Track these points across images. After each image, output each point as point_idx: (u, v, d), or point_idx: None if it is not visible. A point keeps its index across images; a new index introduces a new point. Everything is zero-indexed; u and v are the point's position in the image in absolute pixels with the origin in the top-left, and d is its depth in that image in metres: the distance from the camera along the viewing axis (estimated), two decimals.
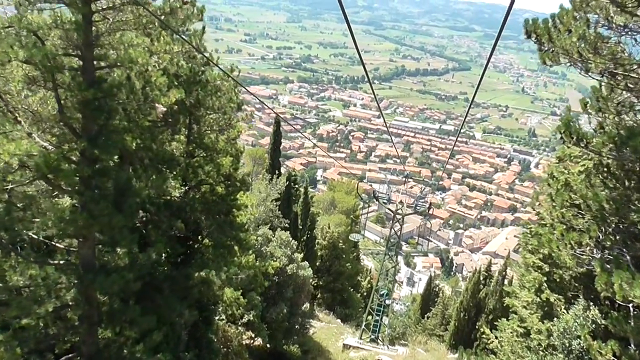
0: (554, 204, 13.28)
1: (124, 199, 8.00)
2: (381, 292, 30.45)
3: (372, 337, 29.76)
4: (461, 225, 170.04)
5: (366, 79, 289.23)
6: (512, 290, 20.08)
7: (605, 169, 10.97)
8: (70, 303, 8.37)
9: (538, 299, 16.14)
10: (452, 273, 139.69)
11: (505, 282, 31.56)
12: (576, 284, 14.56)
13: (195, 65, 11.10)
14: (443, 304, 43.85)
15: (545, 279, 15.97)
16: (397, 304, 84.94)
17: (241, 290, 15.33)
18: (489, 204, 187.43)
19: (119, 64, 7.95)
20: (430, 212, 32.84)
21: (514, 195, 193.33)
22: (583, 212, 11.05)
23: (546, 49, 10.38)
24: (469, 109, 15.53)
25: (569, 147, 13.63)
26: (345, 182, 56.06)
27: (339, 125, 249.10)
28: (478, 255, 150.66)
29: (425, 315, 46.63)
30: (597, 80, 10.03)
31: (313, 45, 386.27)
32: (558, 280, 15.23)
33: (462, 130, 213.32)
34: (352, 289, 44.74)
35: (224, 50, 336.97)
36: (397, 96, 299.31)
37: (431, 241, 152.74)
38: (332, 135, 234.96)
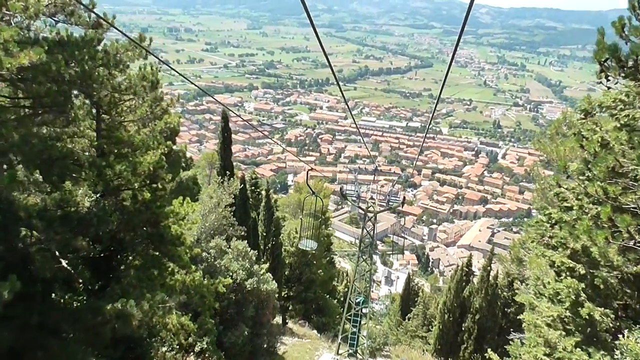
0: (587, 174, 9.75)
1: None
2: (357, 300, 27.38)
3: (350, 351, 27.16)
4: (434, 221, 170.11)
5: (331, 81, 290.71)
6: (528, 300, 14.04)
7: None
8: None
9: (567, 313, 11.16)
10: (429, 269, 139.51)
11: (491, 278, 29.86)
12: (628, 290, 10.61)
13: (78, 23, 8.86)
14: (424, 303, 42.14)
15: (582, 285, 10.85)
16: (376, 304, 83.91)
17: (191, 314, 13.07)
18: (460, 197, 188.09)
19: None
20: (404, 207, 30.45)
21: (484, 187, 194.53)
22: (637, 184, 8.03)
23: None
24: (435, 106, 13.39)
25: (608, 90, 9.38)
26: (312, 182, 52.62)
27: (306, 129, 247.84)
28: (453, 249, 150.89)
29: (406, 316, 44.96)
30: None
31: (275, 50, 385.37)
32: (601, 286, 10.61)
33: (429, 127, 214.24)
34: (327, 296, 42.75)
35: (185, 60, 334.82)
36: (363, 96, 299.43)
37: (406, 238, 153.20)
38: (301, 139, 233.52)
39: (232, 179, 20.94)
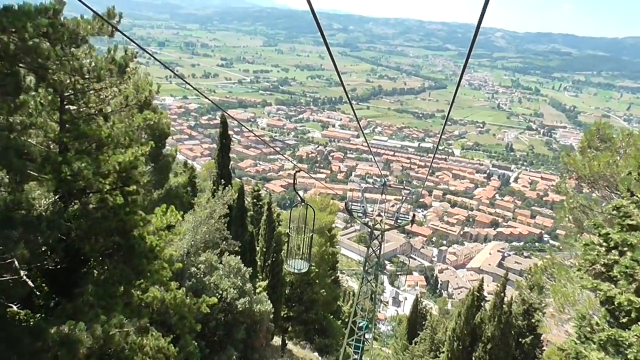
0: None
1: None
2: (360, 324, 25.64)
3: None
4: (444, 242, 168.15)
5: (344, 100, 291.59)
6: (572, 347, 10.07)
7: None
8: None
9: None
10: (438, 290, 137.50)
11: (504, 305, 28.04)
12: None
13: None
14: (431, 327, 40.52)
15: None
16: (383, 324, 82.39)
17: (173, 336, 11.70)
18: (470, 219, 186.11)
19: None
20: (412, 227, 28.72)
21: (495, 210, 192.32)
22: None
23: None
24: (444, 124, 12.48)
25: None
26: (319, 198, 50.67)
27: (318, 146, 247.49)
28: (463, 271, 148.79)
29: (413, 340, 43.42)
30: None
31: (290, 68, 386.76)
32: None
33: (440, 148, 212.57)
34: (331, 316, 41.43)
35: (200, 75, 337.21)
36: (375, 116, 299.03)
37: (415, 259, 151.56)
38: (312, 156, 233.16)
39: (227, 188, 19.34)
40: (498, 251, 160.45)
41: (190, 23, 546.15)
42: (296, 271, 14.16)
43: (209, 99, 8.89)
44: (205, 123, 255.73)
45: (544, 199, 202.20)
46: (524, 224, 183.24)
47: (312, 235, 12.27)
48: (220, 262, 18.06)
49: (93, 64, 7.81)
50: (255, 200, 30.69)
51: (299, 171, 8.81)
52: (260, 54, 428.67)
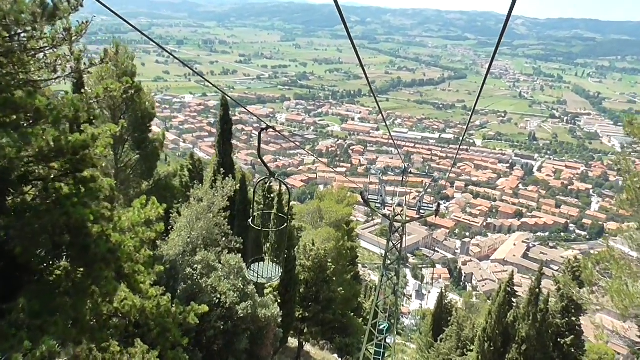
0: None
1: None
2: (380, 327, 23.84)
3: None
4: (467, 234, 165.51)
5: (363, 93, 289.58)
6: None
7: None
8: None
9: None
10: (462, 283, 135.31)
11: (540, 302, 25.70)
12: None
13: None
14: (458, 323, 38.68)
15: None
16: (406, 319, 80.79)
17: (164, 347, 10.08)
18: (494, 210, 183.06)
19: None
20: (436, 218, 26.34)
21: (518, 200, 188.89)
22: None
23: None
24: (470, 118, 10.98)
25: None
26: (335, 190, 48.48)
27: (337, 140, 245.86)
28: (487, 263, 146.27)
29: (438, 337, 41.67)
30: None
31: (308, 62, 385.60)
32: None
33: (463, 139, 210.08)
34: (352, 313, 39.73)
35: (219, 72, 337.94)
36: (395, 108, 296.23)
37: (437, 251, 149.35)
38: (332, 150, 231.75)
39: (227, 178, 17.39)
40: (523, 242, 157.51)
41: (208, 20, 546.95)
42: (261, 279, 9.38)
43: (228, 96, 8.87)
44: None
45: (569, 187, 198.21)
46: (548, 213, 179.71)
47: (286, 224, 9.59)
48: (219, 262, 16.20)
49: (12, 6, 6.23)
50: (266, 193, 29.01)
51: (266, 129, 7.01)
52: (278, 49, 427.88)
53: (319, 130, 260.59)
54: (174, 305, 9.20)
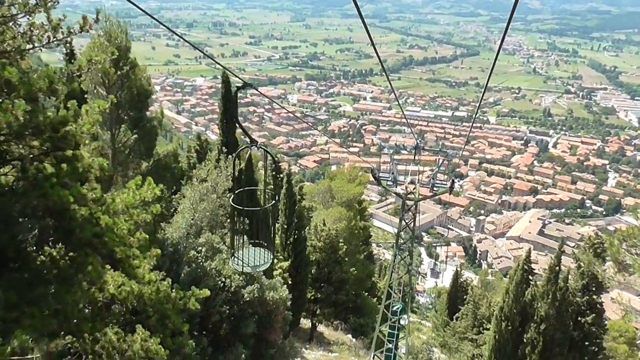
0: None
1: None
2: (394, 308, 23.07)
3: None
4: (482, 212, 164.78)
5: (375, 72, 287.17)
6: None
7: None
8: None
9: None
10: (477, 260, 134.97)
11: (560, 280, 24.77)
12: None
13: None
14: (474, 302, 38.17)
15: None
16: (422, 296, 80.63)
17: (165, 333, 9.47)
18: (508, 187, 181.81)
19: None
20: (450, 195, 25.50)
21: (534, 177, 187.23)
22: None
23: None
24: (482, 95, 10.44)
25: None
26: (346, 169, 47.53)
27: (350, 120, 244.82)
28: (502, 240, 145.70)
29: (454, 316, 41.28)
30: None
31: (319, 42, 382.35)
32: None
33: (475, 116, 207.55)
34: (366, 293, 39.32)
35: (229, 54, 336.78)
36: (407, 86, 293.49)
37: (452, 229, 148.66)
38: (344, 131, 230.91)
39: (230, 157, 16.70)
40: (538, 219, 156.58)
41: (217, 2, 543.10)
42: (246, 269, 8.38)
43: (239, 78, 8.35)
44: None
45: (585, 163, 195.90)
46: (564, 190, 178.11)
47: (275, 201, 8.09)
48: (224, 244, 15.52)
49: None
50: (274, 173, 28.43)
51: (243, 87, 6.36)
52: (288, 30, 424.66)
53: (331, 111, 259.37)
54: (174, 291, 8.71)
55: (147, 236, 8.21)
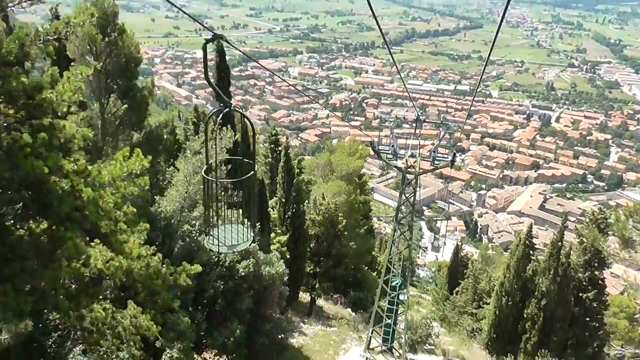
0: None
1: None
2: (393, 283, 22.60)
3: (385, 347, 22.99)
4: (483, 186, 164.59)
5: (377, 45, 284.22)
6: None
7: None
8: None
9: None
10: (477, 235, 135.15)
11: (561, 255, 24.39)
12: None
13: None
14: (474, 276, 38.13)
15: None
16: (422, 270, 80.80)
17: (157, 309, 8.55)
18: (510, 162, 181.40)
19: None
20: (452, 169, 25.00)
21: (535, 151, 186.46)
22: None
23: None
24: (484, 69, 10.08)
25: None
26: (346, 143, 46.87)
27: (351, 94, 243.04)
28: (503, 215, 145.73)
29: (454, 290, 41.27)
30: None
31: (320, 14, 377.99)
32: None
33: (478, 90, 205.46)
34: (366, 267, 39.16)
35: (230, 26, 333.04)
36: (409, 59, 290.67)
37: (453, 204, 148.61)
38: (346, 104, 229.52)
39: (225, 129, 16.19)
40: (539, 193, 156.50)
41: None
42: (225, 250, 7.21)
43: (239, 50, 8.58)
44: (237, 74, 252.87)
45: (588, 138, 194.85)
46: (566, 165, 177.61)
47: (254, 172, 7.10)
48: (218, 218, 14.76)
49: None
50: (273, 146, 27.86)
51: (213, 40, 5.76)
52: (289, 2, 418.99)
53: (332, 84, 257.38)
54: (164, 266, 8.38)
55: (135, 210, 7.85)
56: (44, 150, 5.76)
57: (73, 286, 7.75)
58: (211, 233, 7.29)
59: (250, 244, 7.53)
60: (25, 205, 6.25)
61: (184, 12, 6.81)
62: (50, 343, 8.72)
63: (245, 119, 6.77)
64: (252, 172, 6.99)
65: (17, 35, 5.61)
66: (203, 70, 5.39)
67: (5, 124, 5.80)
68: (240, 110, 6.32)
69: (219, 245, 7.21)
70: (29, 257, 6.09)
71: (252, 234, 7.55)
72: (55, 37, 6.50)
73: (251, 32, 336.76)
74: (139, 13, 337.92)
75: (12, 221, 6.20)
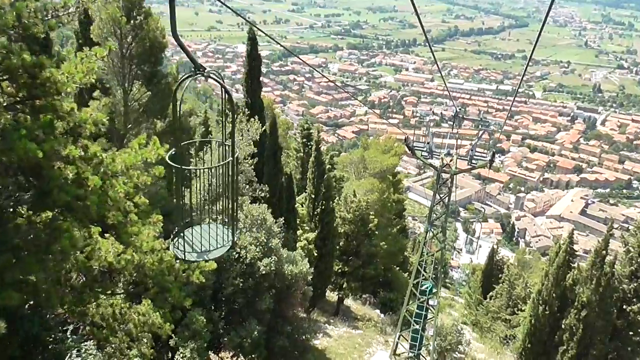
0: None
1: None
2: (423, 287, 21.69)
3: (412, 353, 21.90)
4: (522, 189, 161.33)
5: (418, 42, 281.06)
6: None
7: None
8: None
9: None
10: (514, 239, 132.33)
11: (605, 265, 22.96)
12: None
13: None
14: (509, 281, 36.98)
15: None
16: (455, 272, 79.48)
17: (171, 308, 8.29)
18: (551, 165, 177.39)
19: None
20: (490, 170, 23.88)
21: (579, 155, 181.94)
22: None
23: None
24: (526, 67, 9.42)
25: None
26: (381, 139, 45.83)
27: (390, 91, 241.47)
28: (542, 219, 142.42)
29: (488, 295, 40.21)
30: None
31: (362, 10, 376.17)
32: None
33: (520, 90, 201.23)
34: (397, 268, 38.43)
35: (272, 21, 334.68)
36: (451, 58, 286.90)
37: (490, 206, 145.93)
38: (384, 101, 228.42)
39: (252, 120, 15.61)
40: (581, 198, 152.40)
41: None
42: (194, 258, 6.01)
43: (280, 45, 8.81)
44: (277, 69, 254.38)
45: (635, 142, 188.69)
46: (610, 169, 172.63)
47: (233, 158, 5.94)
48: (242, 212, 14.25)
49: None
50: (304, 140, 27.23)
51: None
52: None
53: (372, 81, 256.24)
54: (178, 261, 7.96)
55: (147, 201, 7.45)
56: (42, 133, 5.36)
57: (78, 280, 7.40)
58: (181, 234, 6.00)
59: (227, 251, 6.17)
60: (20, 191, 5.87)
61: (227, 7, 6.49)
62: (50, 340, 8.43)
63: (222, 88, 5.67)
64: (230, 159, 5.94)
65: (16, 7, 5.20)
66: (171, 27, 4.56)
67: (4, 104, 5.42)
68: (215, 76, 5.41)
69: (184, 252, 5.91)
70: (20, 248, 5.69)
71: (231, 237, 6.25)
72: (65, 12, 6.12)
73: (293, 27, 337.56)
74: (182, 6, 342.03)
75: (7, 209, 5.84)
